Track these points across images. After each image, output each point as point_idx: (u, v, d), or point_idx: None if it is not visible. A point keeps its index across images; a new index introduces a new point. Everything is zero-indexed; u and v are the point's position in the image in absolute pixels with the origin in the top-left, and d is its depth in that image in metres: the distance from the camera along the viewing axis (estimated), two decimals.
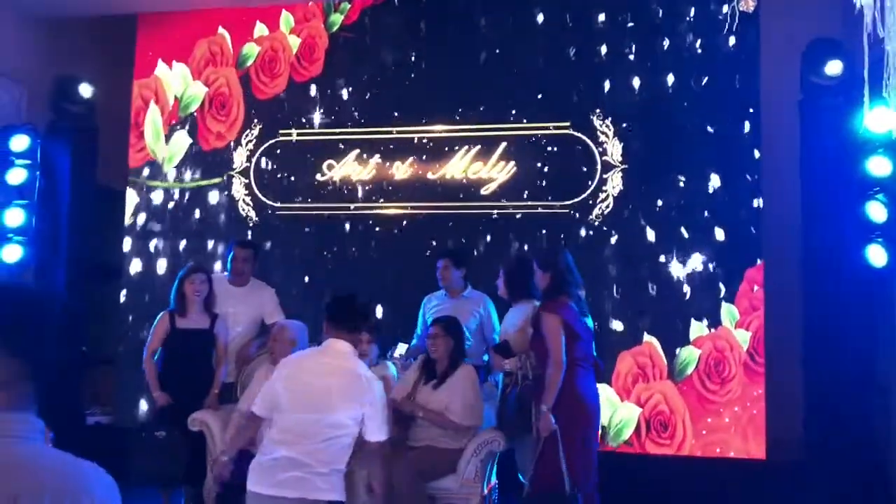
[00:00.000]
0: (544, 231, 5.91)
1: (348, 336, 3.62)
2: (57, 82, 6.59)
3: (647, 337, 5.78)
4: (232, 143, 6.60)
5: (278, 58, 6.61)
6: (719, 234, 5.76)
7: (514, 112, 6.05)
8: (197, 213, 6.55)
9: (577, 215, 5.87)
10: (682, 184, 5.79)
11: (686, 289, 5.77)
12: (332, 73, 6.46)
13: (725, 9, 4.93)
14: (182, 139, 6.69)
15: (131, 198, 6.67)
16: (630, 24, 5.93)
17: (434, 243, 6.01)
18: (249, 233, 6.39)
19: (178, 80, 6.76)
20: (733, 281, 5.70)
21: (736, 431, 5.58)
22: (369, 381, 3.55)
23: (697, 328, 5.74)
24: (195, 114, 6.68)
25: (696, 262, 5.77)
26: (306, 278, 6.26)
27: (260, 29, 6.67)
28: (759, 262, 5.65)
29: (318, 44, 6.53)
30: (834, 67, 5.19)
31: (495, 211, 6.00)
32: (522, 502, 4.27)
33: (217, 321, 5.01)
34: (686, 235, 5.80)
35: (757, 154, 5.67)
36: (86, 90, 6.57)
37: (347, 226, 6.25)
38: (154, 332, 4.98)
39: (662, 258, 5.81)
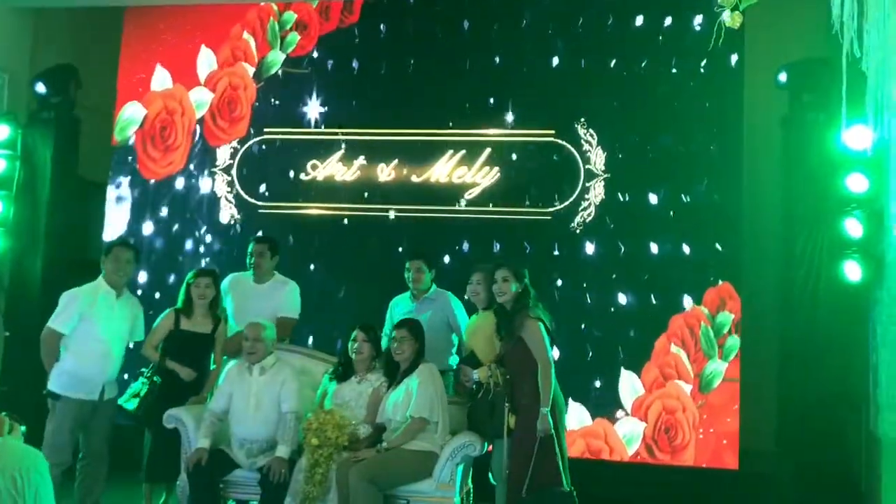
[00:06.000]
0: (526, 236, 5.92)
1: None
2: (40, 72, 6.55)
3: None
4: None
5: (174, 123, 6.42)
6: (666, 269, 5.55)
7: (498, 118, 6.06)
8: (179, 209, 6.52)
9: (559, 222, 5.88)
10: (657, 198, 5.75)
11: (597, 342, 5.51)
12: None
13: (712, 24, 4.97)
14: None
15: (112, 189, 6.62)
16: (615, 36, 5.96)
17: (415, 245, 6.02)
18: (231, 230, 6.36)
19: None
20: (657, 328, 5.46)
21: None
22: None
23: (575, 416, 5.34)
24: None
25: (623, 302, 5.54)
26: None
27: (160, 78, 6.48)
28: (693, 305, 5.49)
29: (241, 97, 6.37)
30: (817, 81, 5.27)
31: (477, 215, 6.01)
32: (520, 501, 4.25)
33: (220, 325, 4.99)
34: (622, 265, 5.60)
35: (740, 168, 5.66)
36: (69, 81, 6.52)
37: (331, 225, 6.25)
38: (157, 327, 4.92)
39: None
